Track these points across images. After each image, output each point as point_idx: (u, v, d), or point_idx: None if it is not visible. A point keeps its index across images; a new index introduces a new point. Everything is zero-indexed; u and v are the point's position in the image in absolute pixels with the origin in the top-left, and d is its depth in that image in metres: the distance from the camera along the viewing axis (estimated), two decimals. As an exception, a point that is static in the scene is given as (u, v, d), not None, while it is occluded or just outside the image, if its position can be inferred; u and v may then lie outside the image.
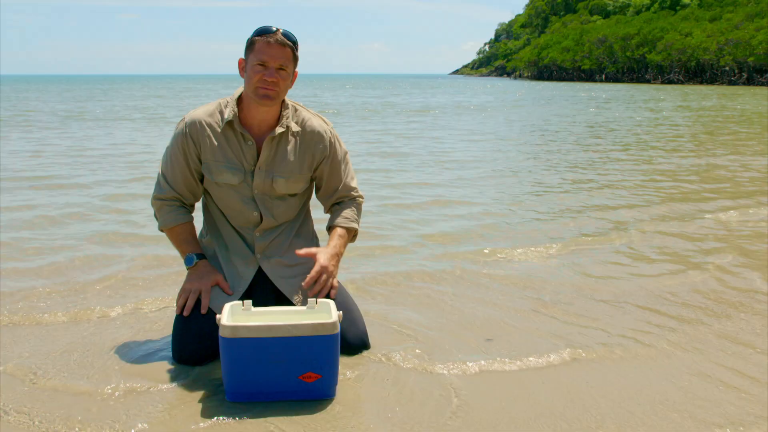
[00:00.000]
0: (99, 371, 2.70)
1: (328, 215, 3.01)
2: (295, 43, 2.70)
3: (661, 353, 2.92)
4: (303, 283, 2.72)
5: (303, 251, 2.76)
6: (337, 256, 2.83)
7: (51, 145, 11.62)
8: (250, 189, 2.79)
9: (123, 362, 2.78)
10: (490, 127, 16.76)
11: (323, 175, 2.90)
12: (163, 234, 2.91)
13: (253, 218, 2.83)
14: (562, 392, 2.53)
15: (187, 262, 2.81)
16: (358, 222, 2.95)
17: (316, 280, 2.71)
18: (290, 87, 2.75)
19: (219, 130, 2.75)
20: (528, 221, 5.71)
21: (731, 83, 67.04)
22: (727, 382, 2.63)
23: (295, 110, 2.85)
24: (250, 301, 2.58)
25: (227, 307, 2.50)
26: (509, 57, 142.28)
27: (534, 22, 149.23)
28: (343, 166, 2.93)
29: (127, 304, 3.53)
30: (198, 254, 2.82)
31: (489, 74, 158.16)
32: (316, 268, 2.71)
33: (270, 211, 2.83)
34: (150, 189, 3.14)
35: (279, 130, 2.75)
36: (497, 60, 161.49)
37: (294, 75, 2.75)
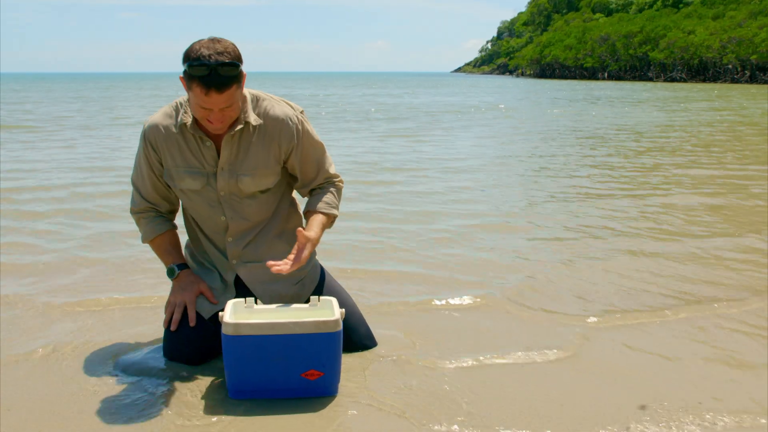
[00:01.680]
0: (98, 369, 2.70)
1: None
2: (237, 73, 2.36)
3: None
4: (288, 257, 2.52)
5: (272, 264, 2.48)
6: (317, 241, 2.61)
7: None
8: (215, 192, 2.62)
9: (122, 360, 2.78)
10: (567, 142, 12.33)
11: (295, 164, 2.67)
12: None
13: (221, 223, 2.67)
14: (577, 386, 2.53)
15: (169, 274, 2.73)
16: (337, 207, 2.76)
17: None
18: (241, 96, 2.51)
19: (175, 133, 2.58)
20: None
21: (734, 81, 66.86)
22: None
23: (257, 101, 2.61)
24: (253, 299, 2.57)
25: (230, 304, 2.49)
26: (511, 55, 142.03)
27: (536, 19, 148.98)
28: (315, 156, 2.70)
29: (124, 297, 3.53)
30: (179, 264, 2.72)
31: (491, 72, 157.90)
32: (297, 256, 2.51)
33: (239, 212, 2.66)
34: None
35: (238, 126, 2.53)
36: (499, 58, 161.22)
37: (242, 82, 2.45)
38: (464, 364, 2.75)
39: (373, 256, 4.51)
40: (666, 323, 3.27)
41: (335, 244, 4.63)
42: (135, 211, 2.75)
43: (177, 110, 2.61)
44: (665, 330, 3.18)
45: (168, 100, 11.94)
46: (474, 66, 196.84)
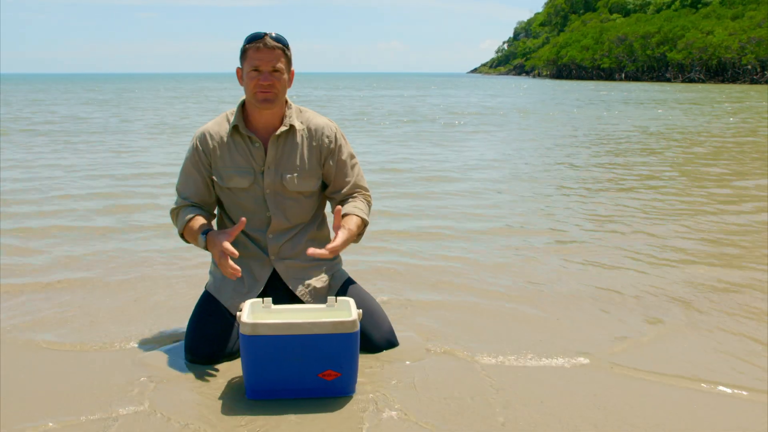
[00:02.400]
0: (117, 369, 2.72)
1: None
2: (285, 44, 2.76)
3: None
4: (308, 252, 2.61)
5: (313, 251, 2.60)
6: (353, 234, 2.73)
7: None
8: (261, 189, 2.82)
9: (141, 359, 2.81)
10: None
11: (331, 171, 2.90)
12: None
13: (264, 219, 2.85)
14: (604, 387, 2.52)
15: (200, 241, 2.70)
16: (368, 214, 2.88)
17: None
18: (289, 86, 2.81)
19: (226, 136, 2.83)
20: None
21: (753, 82, 66.22)
22: None
23: (300, 111, 2.91)
24: (270, 299, 2.59)
25: (247, 304, 2.51)
26: (528, 56, 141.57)
27: (553, 20, 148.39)
28: (350, 165, 2.93)
29: (144, 301, 3.56)
30: (207, 230, 2.72)
31: (507, 73, 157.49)
32: (331, 244, 2.62)
33: (282, 211, 2.85)
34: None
35: (282, 128, 2.81)
36: (516, 59, 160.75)
37: (291, 74, 2.81)
38: (484, 364, 2.75)
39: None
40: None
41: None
42: (174, 208, 2.87)
43: (227, 118, 2.89)
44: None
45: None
46: (490, 67, 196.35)
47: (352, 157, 2.95)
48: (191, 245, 2.88)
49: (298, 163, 2.84)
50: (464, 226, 5.45)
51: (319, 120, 2.92)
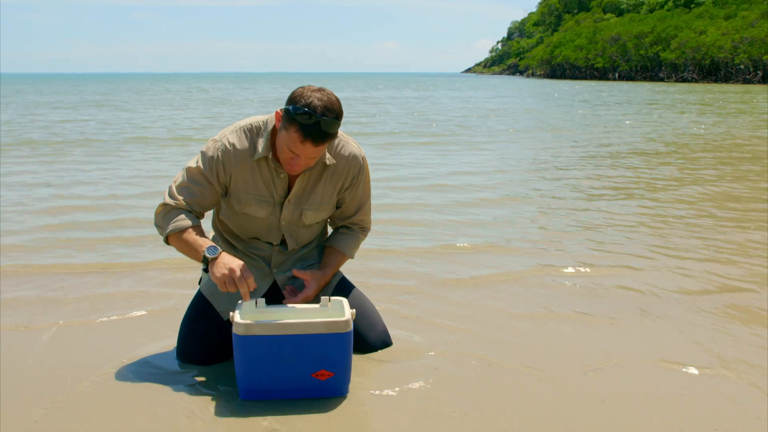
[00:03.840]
0: (110, 369, 2.71)
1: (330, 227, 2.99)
2: (335, 131, 2.46)
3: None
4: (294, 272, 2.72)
5: (299, 273, 2.71)
6: (325, 284, 2.80)
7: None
8: (277, 220, 2.73)
9: (134, 361, 2.79)
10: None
11: (344, 200, 2.81)
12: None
13: (274, 239, 2.79)
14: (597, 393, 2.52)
15: (210, 251, 2.51)
16: (356, 251, 2.91)
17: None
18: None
19: (251, 160, 2.62)
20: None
21: (746, 81, 66.42)
22: None
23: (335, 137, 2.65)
24: (264, 300, 2.58)
25: (240, 305, 2.50)
26: (522, 55, 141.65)
27: (547, 20, 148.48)
28: (363, 201, 2.85)
29: (139, 301, 3.54)
30: (219, 246, 2.59)
31: (501, 72, 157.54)
32: (303, 294, 2.68)
33: (295, 238, 2.80)
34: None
35: (316, 167, 2.65)
36: (510, 58, 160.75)
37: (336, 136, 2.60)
38: (477, 365, 2.75)
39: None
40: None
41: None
42: (168, 204, 2.61)
43: (253, 134, 2.63)
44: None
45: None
46: (484, 66, 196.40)
47: (367, 189, 2.85)
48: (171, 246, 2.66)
49: (319, 199, 2.73)
50: (449, 218, 5.46)
51: (347, 149, 2.72)
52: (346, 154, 2.72)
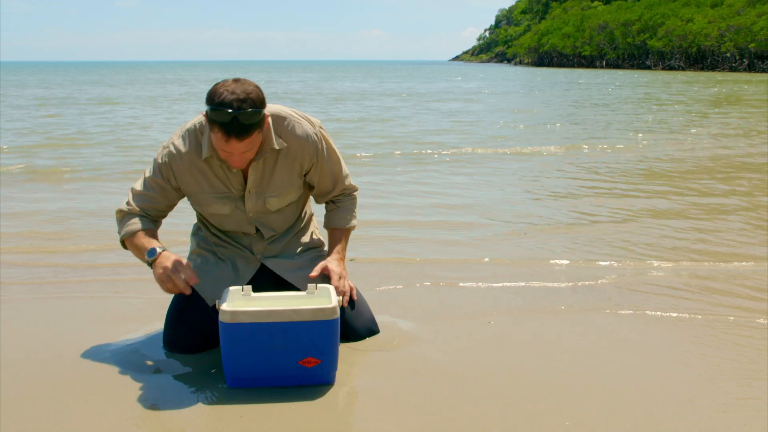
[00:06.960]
0: (95, 359, 2.69)
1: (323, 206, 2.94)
2: (256, 121, 2.37)
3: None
4: (311, 274, 2.70)
5: (315, 272, 2.69)
6: (342, 260, 2.80)
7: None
8: (243, 213, 2.70)
9: (119, 349, 2.77)
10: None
11: (314, 178, 2.76)
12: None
13: (249, 230, 2.76)
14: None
15: (150, 254, 2.55)
16: (355, 217, 2.88)
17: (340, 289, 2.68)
18: (263, 136, 2.52)
19: (200, 160, 2.59)
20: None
21: (732, 69, 66.74)
22: None
23: (280, 121, 2.61)
24: (250, 287, 2.56)
25: (227, 292, 2.49)
26: (509, 43, 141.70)
27: (534, 8, 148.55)
28: (333, 166, 2.76)
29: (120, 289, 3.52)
30: (161, 247, 2.59)
31: (489, 60, 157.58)
32: (334, 278, 2.67)
33: (268, 224, 2.77)
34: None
35: (263, 156, 2.58)
36: (497, 46, 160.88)
37: (265, 124, 2.49)
38: (463, 352, 2.75)
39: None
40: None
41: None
42: (125, 211, 2.65)
43: (198, 134, 2.60)
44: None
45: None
46: (472, 54, 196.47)
47: (335, 159, 2.76)
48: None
49: (279, 183, 2.67)
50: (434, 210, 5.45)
51: (299, 130, 2.63)
52: (296, 135, 2.63)
